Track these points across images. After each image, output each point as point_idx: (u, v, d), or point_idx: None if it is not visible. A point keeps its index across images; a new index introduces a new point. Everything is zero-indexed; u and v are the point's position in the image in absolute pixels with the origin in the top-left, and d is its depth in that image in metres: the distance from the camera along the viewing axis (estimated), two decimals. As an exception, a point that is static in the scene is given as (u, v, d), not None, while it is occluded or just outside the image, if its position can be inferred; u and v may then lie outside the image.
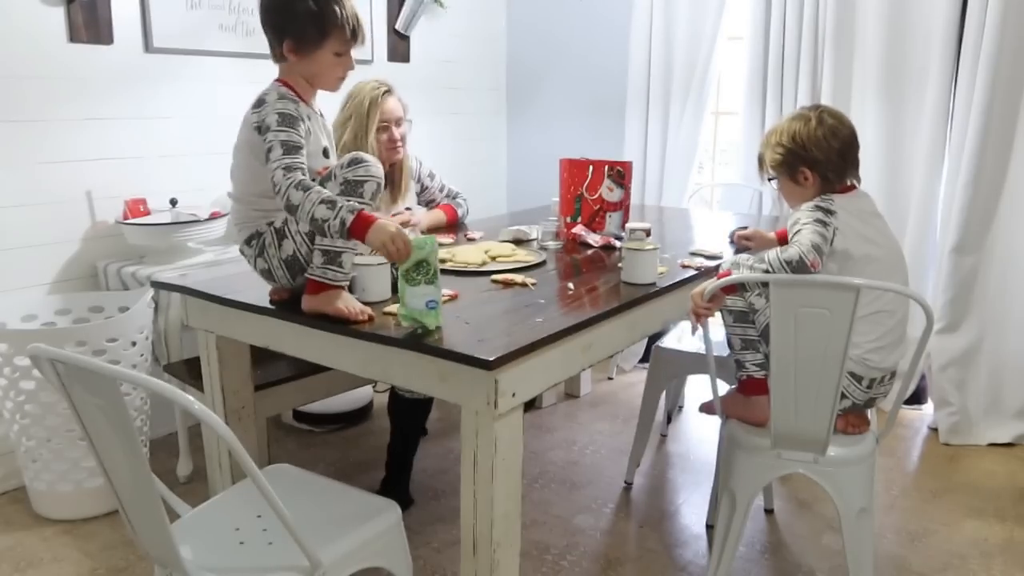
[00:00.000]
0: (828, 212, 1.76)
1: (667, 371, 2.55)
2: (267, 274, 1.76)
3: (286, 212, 1.61)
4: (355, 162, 1.64)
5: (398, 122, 2.44)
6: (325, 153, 1.77)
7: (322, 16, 1.68)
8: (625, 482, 2.61)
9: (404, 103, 2.49)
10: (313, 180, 1.61)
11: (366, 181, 1.62)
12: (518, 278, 1.91)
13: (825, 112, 1.86)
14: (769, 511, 2.44)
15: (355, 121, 2.40)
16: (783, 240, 2.28)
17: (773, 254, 1.68)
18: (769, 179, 1.95)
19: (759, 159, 1.96)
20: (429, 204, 2.70)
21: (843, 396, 1.77)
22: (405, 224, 2.06)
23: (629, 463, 2.62)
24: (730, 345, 1.90)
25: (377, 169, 1.65)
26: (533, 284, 1.90)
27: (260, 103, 1.68)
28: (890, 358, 1.79)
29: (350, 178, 1.62)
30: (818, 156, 1.81)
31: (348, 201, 1.56)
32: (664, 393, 2.69)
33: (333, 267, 1.63)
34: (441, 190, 2.69)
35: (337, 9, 1.69)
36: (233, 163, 1.78)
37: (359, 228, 1.52)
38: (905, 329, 1.82)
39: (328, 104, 1.96)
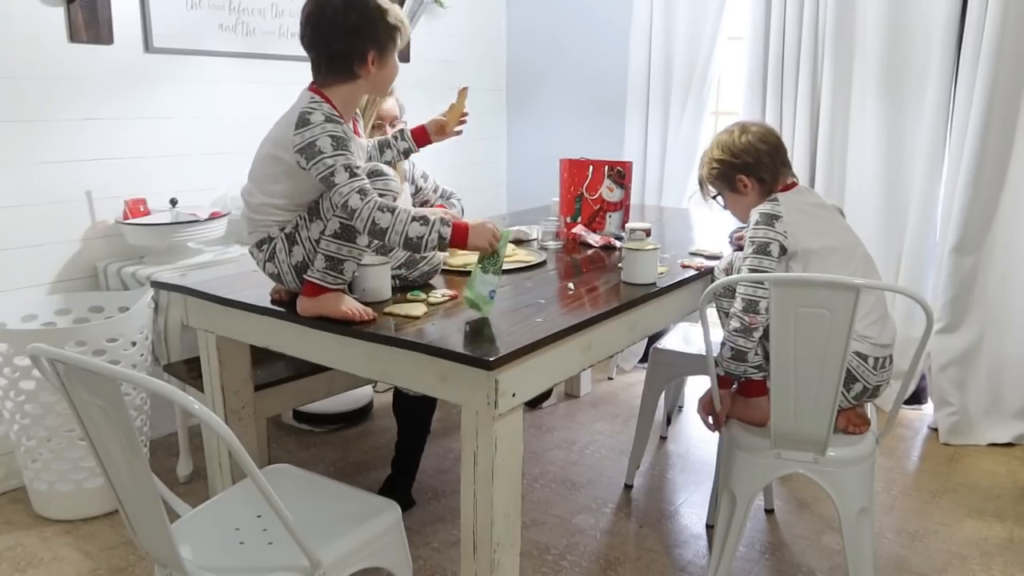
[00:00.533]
0: (773, 218, 1.84)
1: (665, 372, 2.55)
2: (276, 278, 1.74)
3: (367, 235, 1.59)
4: (374, 174, 1.66)
5: (393, 122, 2.42)
6: None
7: (393, 21, 1.67)
8: (625, 484, 2.60)
9: (401, 104, 2.49)
10: None
11: (384, 194, 1.64)
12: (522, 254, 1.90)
13: (747, 123, 1.98)
14: (769, 511, 2.44)
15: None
16: (726, 385, 2.14)
17: (726, 336, 1.83)
18: (712, 197, 2.03)
19: (699, 182, 2.05)
20: (423, 205, 2.69)
21: (855, 379, 1.77)
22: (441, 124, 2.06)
23: (629, 465, 2.62)
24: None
25: (396, 184, 1.68)
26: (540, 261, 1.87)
27: (304, 123, 1.60)
28: (885, 331, 1.82)
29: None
30: (749, 160, 1.91)
31: (424, 215, 1.56)
32: (663, 394, 2.68)
33: (334, 273, 1.64)
34: (435, 191, 2.68)
35: (383, 14, 1.66)
36: (255, 170, 1.72)
37: (459, 238, 1.58)
38: (885, 301, 1.86)
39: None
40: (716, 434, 2.07)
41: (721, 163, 1.94)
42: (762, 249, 1.82)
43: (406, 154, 2.06)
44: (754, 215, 1.87)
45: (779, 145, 1.94)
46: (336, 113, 1.63)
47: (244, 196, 1.75)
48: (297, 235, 1.67)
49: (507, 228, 1.62)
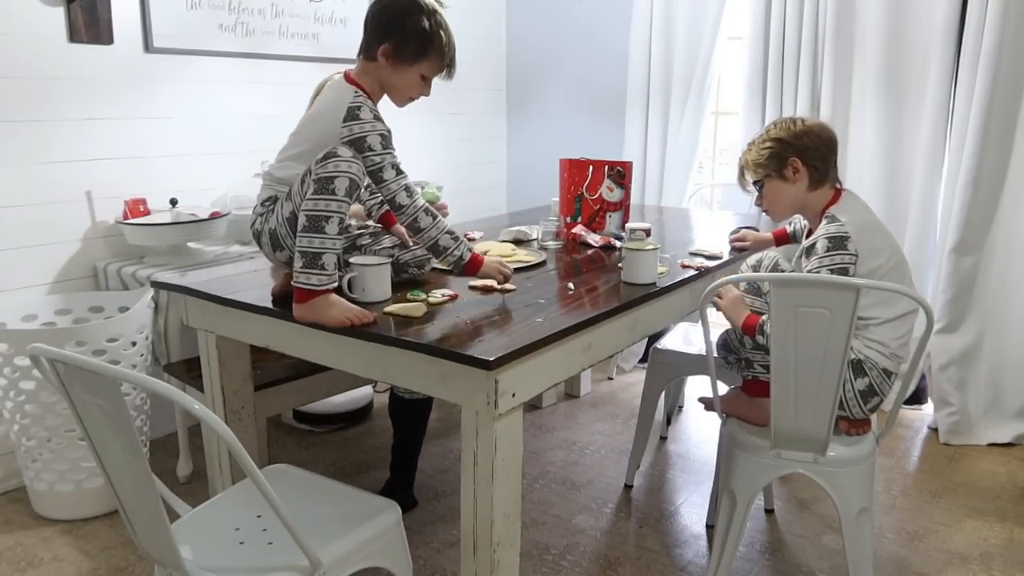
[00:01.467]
0: (844, 240, 1.74)
1: (666, 372, 2.54)
2: (257, 238, 1.79)
3: (408, 229, 1.74)
4: (326, 157, 1.60)
5: None
6: None
7: (429, 37, 1.71)
8: (625, 484, 2.60)
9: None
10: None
11: (336, 177, 1.58)
12: (494, 283, 1.86)
13: (799, 118, 1.92)
14: (769, 511, 2.44)
15: None
16: (780, 240, 2.28)
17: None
18: (755, 182, 1.93)
19: (741, 168, 1.96)
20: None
21: (875, 393, 1.77)
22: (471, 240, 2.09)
23: (629, 465, 2.62)
24: (742, 343, 1.91)
25: (348, 164, 1.59)
26: (512, 289, 1.85)
27: (354, 117, 1.66)
28: (907, 352, 1.82)
29: (321, 175, 1.58)
30: (808, 144, 1.84)
31: (458, 236, 1.75)
32: (663, 394, 2.68)
33: (315, 270, 1.58)
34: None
35: (444, 36, 1.73)
36: (291, 145, 1.78)
37: (472, 267, 1.78)
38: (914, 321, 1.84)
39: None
40: (716, 434, 2.08)
41: (778, 142, 1.86)
42: (835, 264, 1.73)
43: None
44: (821, 242, 1.76)
45: (835, 141, 1.89)
46: (372, 102, 1.71)
47: (268, 165, 1.84)
48: (277, 204, 1.74)
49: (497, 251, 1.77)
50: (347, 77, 1.74)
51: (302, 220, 1.60)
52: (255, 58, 2.99)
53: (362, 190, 1.96)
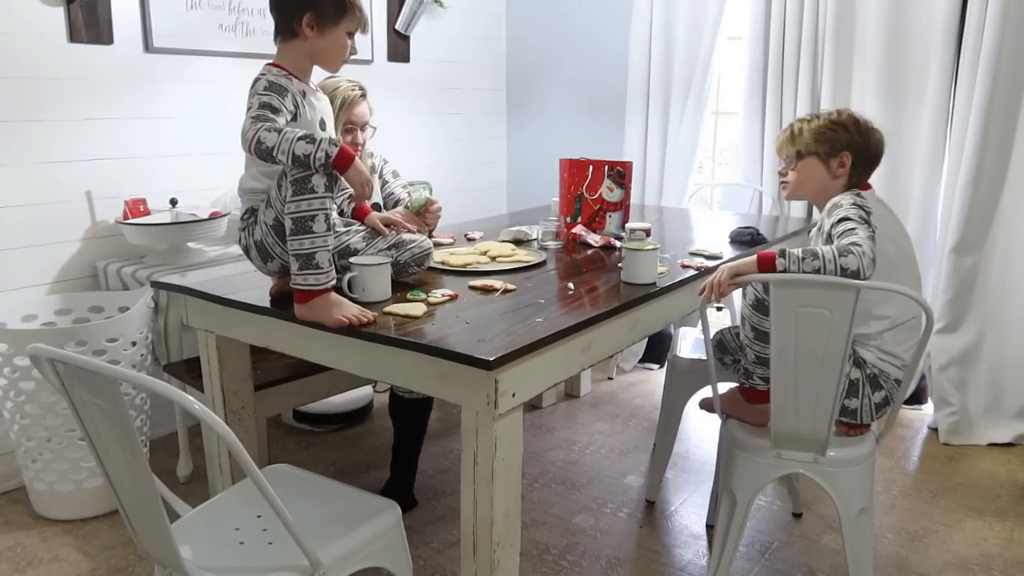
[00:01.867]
0: (864, 209, 1.73)
1: (687, 382, 2.37)
2: (246, 251, 1.79)
3: (258, 157, 1.60)
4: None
5: (363, 127, 2.39)
6: (322, 126, 1.79)
7: None
8: (647, 500, 2.51)
9: (372, 108, 2.47)
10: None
11: (312, 175, 1.58)
12: (497, 284, 1.88)
13: (865, 116, 1.88)
14: (797, 515, 2.42)
15: None
16: (766, 265, 1.76)
17: (830, 253, 1.60)
18: (797, 153, 1.86)
19: (792, 135, 1.87)
20: (394, 202, 2.64)
21: (887, 403, 1.78)
22: (390, 224, 2.05)
23: (650, 480, 2.53)
24: (744, 354, 1.90)
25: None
26: (512, 289, 1.86)
27: (253, 83, 1.70)
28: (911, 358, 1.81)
29: (297, 177, 1.58)
30: (866, 146, 1.82)
31: (311, 135, 1.57)
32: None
33: (311, 270, 1.60)
34: (404, 187, 2.63)
35: None
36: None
37: (342, 161, 1.57)
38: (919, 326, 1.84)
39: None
40: (716, 434, 2.07)
41: (843, 130, 1.81)
42: (866, 219, 1.70)
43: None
44: (846, 198, 1.75)
45: (882, 156, 1.87)
46: (284, 74, 1.71)
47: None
48: (259, 215, 1.74)
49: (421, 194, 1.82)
50: (272, 64, 1.77)
51: (288, 224, 1.60)
52: (255, 58, 2.99)
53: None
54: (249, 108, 1.65)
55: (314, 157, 1.55)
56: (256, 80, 1.70)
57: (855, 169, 1.83)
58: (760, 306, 1.77)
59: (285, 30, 1.77)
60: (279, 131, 1.57)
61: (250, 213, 1.77)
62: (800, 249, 1.65)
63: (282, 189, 1.64)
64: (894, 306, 1.76)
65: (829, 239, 1.73)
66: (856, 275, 1.58)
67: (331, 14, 1.74)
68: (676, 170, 3.58)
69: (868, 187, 1.87)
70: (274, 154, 1.57)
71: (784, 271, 1.63)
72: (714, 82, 3.48)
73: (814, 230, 1.91)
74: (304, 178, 1.58)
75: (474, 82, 4.03)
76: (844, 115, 1.85)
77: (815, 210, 3.22)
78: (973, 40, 2.76)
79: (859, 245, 1.61)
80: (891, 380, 1.78)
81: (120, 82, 2.63)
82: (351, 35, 1.79)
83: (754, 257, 1.69)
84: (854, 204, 1.74)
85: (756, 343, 1.83)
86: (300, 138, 1.55)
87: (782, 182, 1.93)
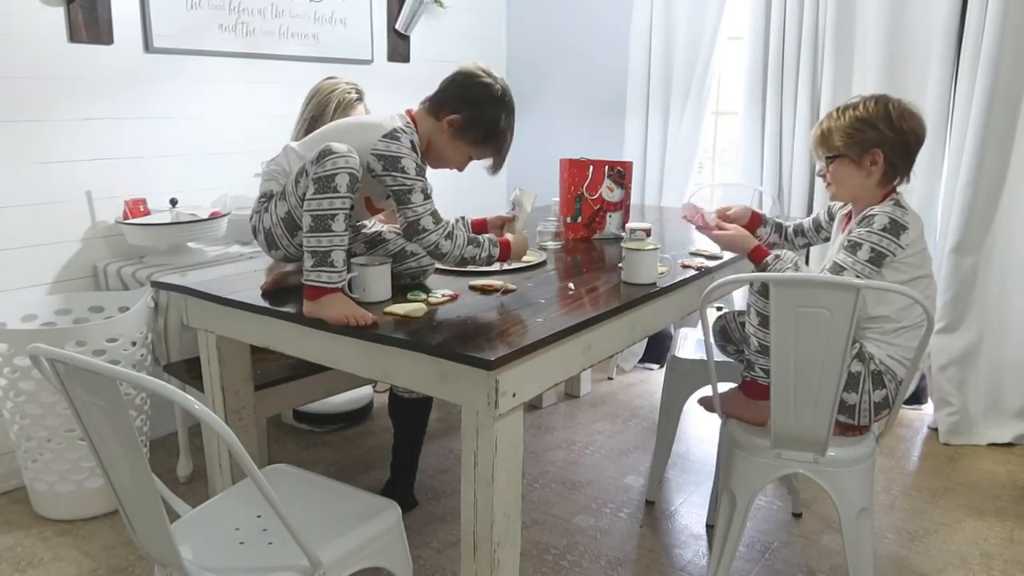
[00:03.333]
0: (901, 229, 1.69)
1: (687, 383, 2.37)
2: (255, 235, 1.81)
3: (429, 254, 1.74)
4: (322, 156, 1.60)
5: None
6: None
7: (496, 134, 1.80)
8: (647, 500, 2.51)
9: (369, 110, 2.46)
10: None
11: (337, 174, 1.59)
12: (497, 284, 1.87)
13: (901, 101, 1.77)
14: (797, 515, 2.42)
15: (318, 119, 2.33)
16: (755, 259, 1.89)
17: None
18: (828, 158, 1.80)
19: (822, 135, 1.80)
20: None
21: (887, 404, 1.77)
22: (506, 221, 2.06)
23: (650, 481, 2.53)
24: (747, 343, 1.89)
25: (347, 159, 1.60)
26: (512, 289, 1.86)
27: (394, 138, 1.70)
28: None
29: (320, 174, 1.59)
30: (899, 137, 1.73)
31: (476, 237, 1.76)
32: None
33: (325, 268, 1.61)
34: None
35: (509, 137, 1.81)
36: (303, 142, 1.80)
37: (504, 255, 1.82)
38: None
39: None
40: (716, 434, 2.07)
41: (870, 127, 1.72)
42: (877, 260, 1.69)
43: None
44: (881, 217, 1.70)
45: (924, 140, 1.76)
46: (414, 130, 1.76)
47: (270, 162, 1.84)
48: (272, 204, 1.76)
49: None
50: (408, 113, 1.81)
51: (307, 221, 1.61)
52: (255, 58, 2.99)
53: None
54: (410, 191, 1.67)
55: (478, 258, 1.77)
56: (397, 140, 1.69)
57: (890, 164, 1.74)
58: (766, 291, 1.74)
59: (434, 108, 1.80)
60: (451, 237, 1.71)
61: (267, 198, 1.79)
62: (795, 264, 1.76)
63: (299, 185, 1.66)
64: (890, 306, 1.75)
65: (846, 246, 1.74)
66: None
67: (472, 135, 1.78)
68: (676, 170, 3.58)
69: (894, 191, 1.78)
70: (445, 259, 1.74)
71: (763, 350, 1.76)
72: (714, 82, 3.48)
73: (837, 234, 1.91)
74: (328, 177, 1.59)
75: (474, 82, 4.02)
76: (872, 108, 1.74)
77: (815, 209, 3.22)
78: (973, 40, 2.76)
79: (846, 268, 1.69)
80: (895, 380, 1.76)
81: (120, 82, 2.63)
82: (471, 159, 1.83)
83: (749, 246, 1.81)
84: (884, 227, 1.69)
85: (761, 330, 1.81)
86: (468, 243, 1.74)
87: (827, 184, 1.86)
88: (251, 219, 1.83)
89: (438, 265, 2.03)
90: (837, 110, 1.80)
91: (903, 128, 1.73)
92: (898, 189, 1.81)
